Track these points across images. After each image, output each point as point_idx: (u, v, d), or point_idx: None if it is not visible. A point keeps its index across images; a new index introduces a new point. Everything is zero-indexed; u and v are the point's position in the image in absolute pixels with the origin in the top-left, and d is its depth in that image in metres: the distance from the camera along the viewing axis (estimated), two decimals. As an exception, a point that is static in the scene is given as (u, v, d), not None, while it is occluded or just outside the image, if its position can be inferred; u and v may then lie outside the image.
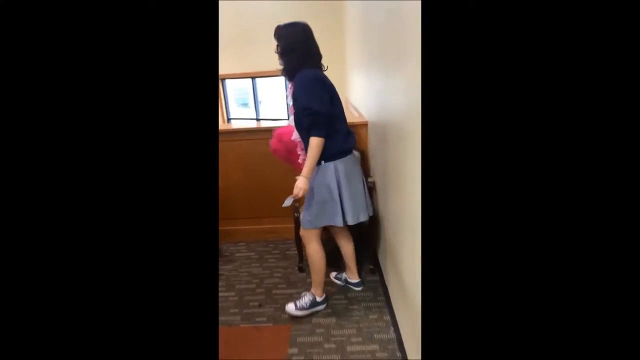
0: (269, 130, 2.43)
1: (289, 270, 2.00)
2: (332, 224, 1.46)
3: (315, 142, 1.32)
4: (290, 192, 1.38)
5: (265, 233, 2.34)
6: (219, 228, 2.30)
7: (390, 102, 1.45)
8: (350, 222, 1.46)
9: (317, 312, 1.60)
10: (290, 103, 1.46)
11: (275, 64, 1.46)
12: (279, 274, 1.97)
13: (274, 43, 1.42)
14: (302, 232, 1.54)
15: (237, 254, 2.21)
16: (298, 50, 1.37)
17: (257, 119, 5.27)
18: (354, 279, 1.76)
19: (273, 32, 1.43)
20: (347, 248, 1.71)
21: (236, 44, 4.97)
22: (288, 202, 1.41)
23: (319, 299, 1.58)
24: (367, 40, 2.27)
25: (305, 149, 1.44)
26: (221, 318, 1.66)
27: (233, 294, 1.82)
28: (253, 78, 5.58)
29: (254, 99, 5.78)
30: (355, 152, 2.05)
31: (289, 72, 1.40)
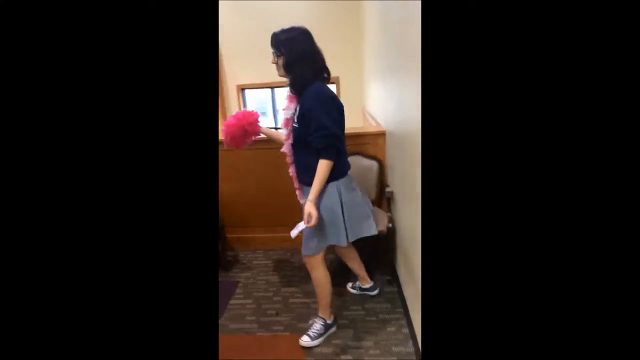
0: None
1: (305, 279, 2.00)
2: (336, 243, 1.40)
3: (327, 165, 1.26)
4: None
5: (282, 241, 2.35)
6: (236, 235, 2.34)
7: (408, 111, 1.45)
8: (352, 238, 1.41)
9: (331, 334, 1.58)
10: (288, 116, 1.35)
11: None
12: (296, 283, 1.97)
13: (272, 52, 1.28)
14: (306, 258, 1.47)
15: (254, 262, 2.23)
16: (308, 60, 1.27)
17: (276, 128, 5.40)
18: (367, 283, 1.76)
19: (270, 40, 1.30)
20: (353, 263, 1.70)
21: (255, 54, 5.09)
22: (296, 231, 1.32)
23: (329, 321, 1.56)
24: (385, 45, 2.27)
25: (298, 163, 1.39)
26: (238, 326, 1.67)
27: (250, 301, 1.84)
28: (272, 88, 5.68)
29: (272, 108, 5.87)
30: (372, 161, 2.04)
31: (301, 85, 1.29)
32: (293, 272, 2.09)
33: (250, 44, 5.05)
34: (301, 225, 1.30)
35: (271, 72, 1.37)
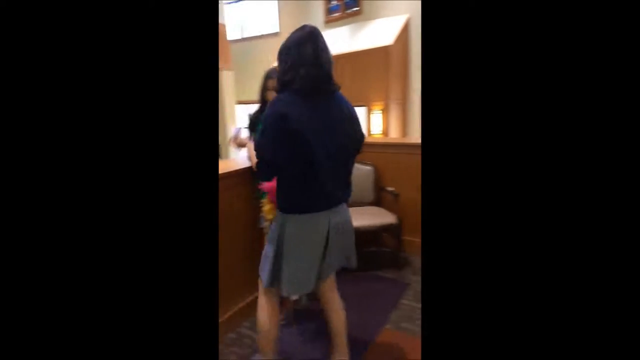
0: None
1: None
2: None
3: (256, 172, 1.15)
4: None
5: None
6: (411, 239, 2.38)
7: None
8: (285, 294, 1.15)
9: None
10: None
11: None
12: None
13: None
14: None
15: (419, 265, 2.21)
16: (295, 54, 1.02)
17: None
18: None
19: None
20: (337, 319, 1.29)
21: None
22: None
23: None
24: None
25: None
26: (407, 325, 1.72)
27: (420, 305, 1.85)
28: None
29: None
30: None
31: (278, 79, 1.08)
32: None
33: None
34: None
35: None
